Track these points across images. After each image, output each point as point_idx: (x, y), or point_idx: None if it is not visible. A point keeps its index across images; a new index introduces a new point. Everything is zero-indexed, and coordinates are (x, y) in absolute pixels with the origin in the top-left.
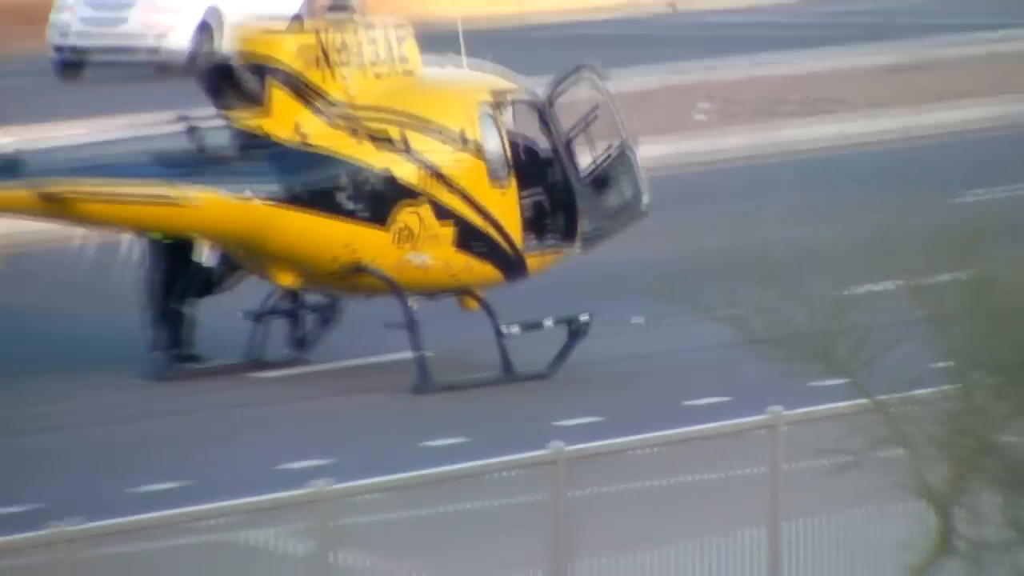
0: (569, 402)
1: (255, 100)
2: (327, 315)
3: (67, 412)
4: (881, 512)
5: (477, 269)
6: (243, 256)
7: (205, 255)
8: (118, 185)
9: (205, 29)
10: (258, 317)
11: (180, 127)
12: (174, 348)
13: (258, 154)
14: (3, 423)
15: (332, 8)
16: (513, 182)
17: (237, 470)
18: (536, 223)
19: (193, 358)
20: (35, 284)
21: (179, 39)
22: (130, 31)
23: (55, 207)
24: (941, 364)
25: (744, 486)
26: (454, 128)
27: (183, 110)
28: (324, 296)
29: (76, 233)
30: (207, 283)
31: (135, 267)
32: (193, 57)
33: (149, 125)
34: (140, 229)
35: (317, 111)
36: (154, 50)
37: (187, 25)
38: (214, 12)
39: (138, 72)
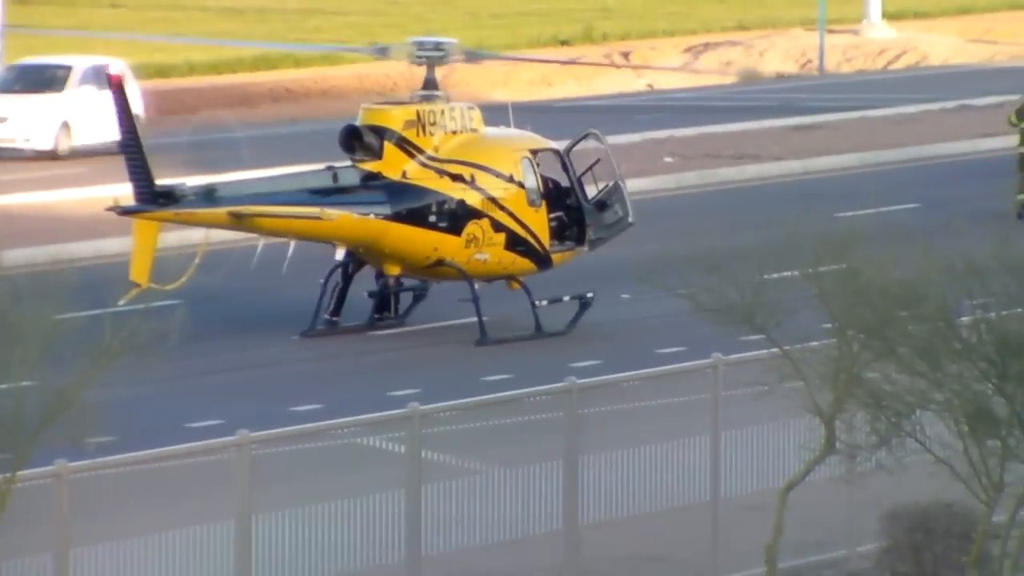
0: (580, 350)
1: (375, 152)
2: (419, 293)
3: (246, 356)
4: (787, 425)
5: (519, 263)
6: (365, 254)
7: (339, 253)
8: (283, 207)
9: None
10: (374, 295)
11: (324, 169)
12: (330, 314)
13: (376, 188)
14: (205, 364)
15: (425, 94)
16: (544, 205)
17: (360, 396)
18: (558, 232)
19: (335, 322)
20: (222, 272)
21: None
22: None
23: (240, 222)
24: (827, 325)
25: (695, 408)
26: (505, 170)
27: (331, 161)
28: (417, 281)
29: (253, 240)
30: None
31: (293, 263)
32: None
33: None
34: (298, 237)
35: (415, 159)
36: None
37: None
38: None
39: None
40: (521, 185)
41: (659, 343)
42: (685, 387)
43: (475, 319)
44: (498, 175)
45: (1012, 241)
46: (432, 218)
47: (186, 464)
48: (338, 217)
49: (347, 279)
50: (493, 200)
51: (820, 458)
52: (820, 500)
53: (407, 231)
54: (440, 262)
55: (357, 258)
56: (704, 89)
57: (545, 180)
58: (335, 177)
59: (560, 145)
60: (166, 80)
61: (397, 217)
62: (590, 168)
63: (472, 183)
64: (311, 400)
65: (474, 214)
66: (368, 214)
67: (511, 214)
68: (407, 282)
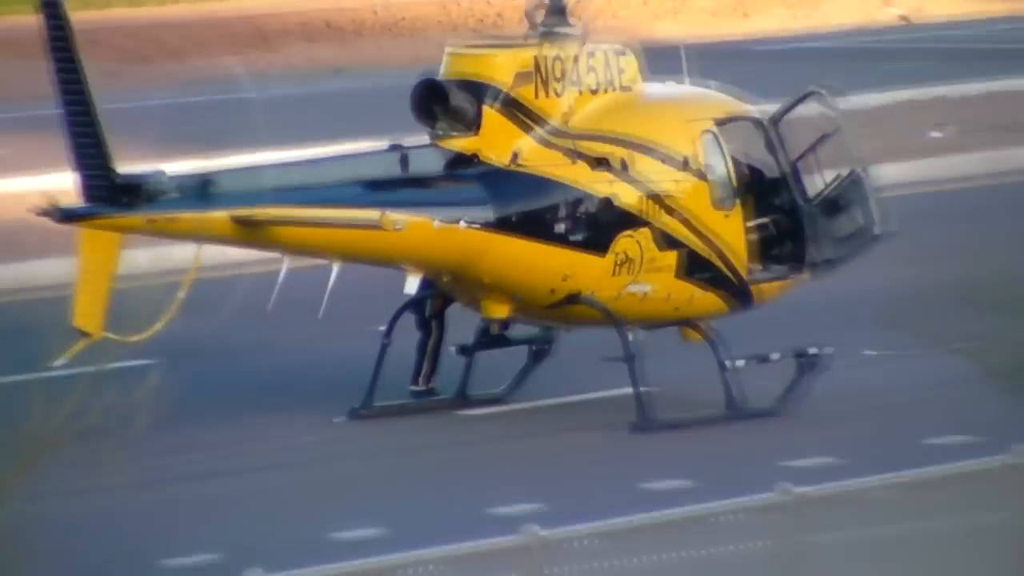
0: (798, 441)
1: (467, 122)
2: (540, 348)
3: (261, 450)
4: None
5: (699, 299)
6: (453, 285)
7: (409, 283)
8: (319, 210)
9: None
10: (468, 351)
11: (386, 149)
12: (418, 382)
13: (469, 177)
14: (193, 463)
15: (548, 30)
16: (738, 206)
17: (441, 514)
18: (762, 249)
19: (431, 392)
20: (221, 315)
21: None
22: None
23: (251, 233)
24: None
25: (990, 534)
26: (676, 150)
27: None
28: (537, 329)
29: (272, 262)
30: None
31: (336, 300)
32: None
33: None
34: (341, 256)
35: (533, 133)
36: None
37: None
38: None
39: None
40: (702, 175)
41: (927, 427)
42: (970, 500)
43: (630, 390)
44: (666, 158)
45: None
46: (560, 227)
47: None
48: (408, 225)
49: (431, 324)
50: (658, 198)
51: None
52: None
53: (519, 248)
54: (573, 297)
55: (440, 292)
56: (994, 21)
57: (741, 167)
58: (404, 161)
59: (765, 112)
60: (135, 10)
61: (503, 225)
62: (813, 147)
63: (624, 171)
64: (365, 521)
65: (628, 221)
66: (457, 220)
67: (687, 221)
68: (519, 331)
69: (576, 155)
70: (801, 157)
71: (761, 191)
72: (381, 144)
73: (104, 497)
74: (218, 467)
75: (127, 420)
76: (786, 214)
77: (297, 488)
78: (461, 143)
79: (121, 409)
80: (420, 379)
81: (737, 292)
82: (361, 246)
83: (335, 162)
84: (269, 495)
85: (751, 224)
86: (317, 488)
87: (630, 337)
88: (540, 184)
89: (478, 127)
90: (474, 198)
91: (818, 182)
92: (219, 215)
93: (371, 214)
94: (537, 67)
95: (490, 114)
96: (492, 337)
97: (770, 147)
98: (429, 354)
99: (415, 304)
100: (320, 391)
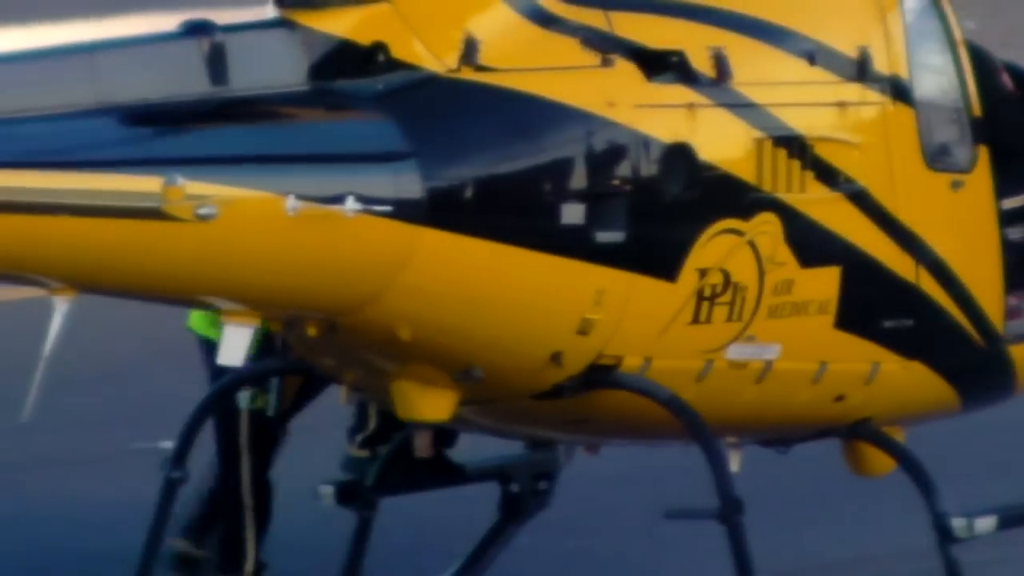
0: None
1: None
2: (524, 491)
3: None
4: None
5: (893, 380)
6: (323, 351)
7: (229, 340)
8: (32, 175)
9: None
10: (358, 496)
11: (179, 31)
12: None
13: (364, 98)
14: None
15: None
16: (982, 165)
17: None
18: None
19: None
20: None
21: None
22: None
23: None
24: None
25: None
26: (837, 34)
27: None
28: (520, 448)
29: None
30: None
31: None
32: None
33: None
34: (75, 280)
35: None
36: None
37: None
38: None
39: None
40: (901, 93)
41: None
42: None
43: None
44: (816, 54)
45: None
46: (572, 212)
47: None
48: (227, 207)
49: (261, 450)
50: (798, 147)
51: None
52: None
53: (480, 259)
54: (599, 373)
55: (292, 370)
56: None
57: (993, 74)
58: (215, 62)
59: None
60: None
61: (444, 210)
62: None
63: (718, 85)
64: None
65: (727, 200)
66: (340, 198)
67: (867, 200)
68: (478, 453)
69: (610, 46)
70: None
71: None
72: (169, 22)
73: None
74: None
75: None
76: None
77: None
78: (347, 19)
79: None
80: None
81: (980, 363)
82: (122, 257)
83: (65, 63)
84: None
85: (1016, 205)
86: None
87: (732, 464)
88: (528, 115)
89: None
90: (377, 148)
91: None
92: None
93: (144, 183)
94: None
95: None
96: (416, 465)
97: None
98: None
99: (220, 396)
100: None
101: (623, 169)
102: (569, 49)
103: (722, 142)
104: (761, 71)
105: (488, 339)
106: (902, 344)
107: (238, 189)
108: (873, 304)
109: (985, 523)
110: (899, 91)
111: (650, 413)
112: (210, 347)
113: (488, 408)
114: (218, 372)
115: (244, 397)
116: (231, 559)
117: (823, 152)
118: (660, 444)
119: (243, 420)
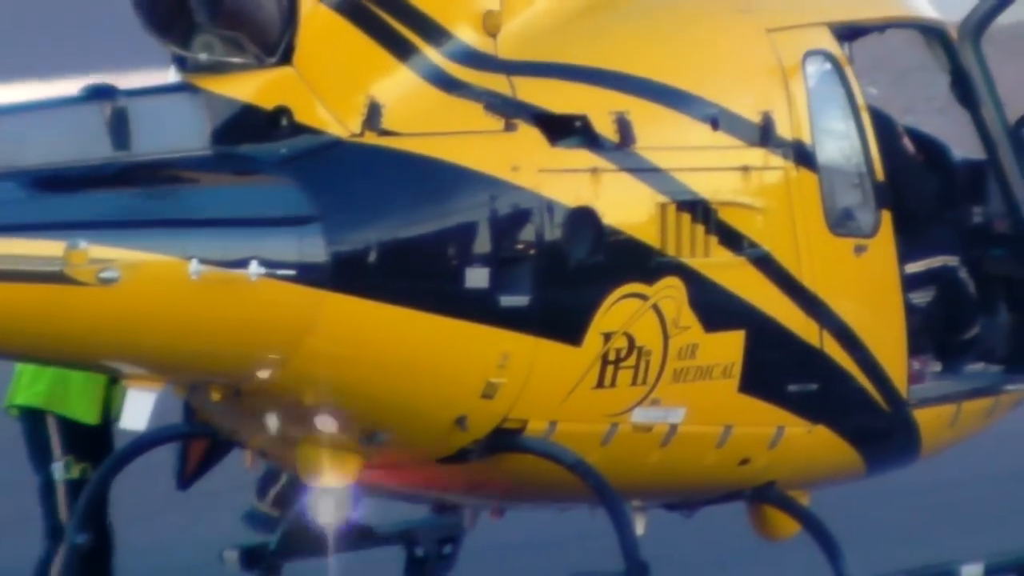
0: None
1: (261, 32)
2: (430, 553)
3: None
4: None
5: (796, 444)
6: (230, 414)
7: (132, 406)
8: None
9: None
10: (261, 562)
11: (81, 95)
12: None
13: (268, 162)
14: None
15: None
16: (884, 227)
17: None
18: (941, 329)
19: None
20: None
21: None
22: None
23: None
24: None
25: None
26: (742, 99)
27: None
28: (428, 511)
29: None
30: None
31: None
32: None
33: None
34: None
35: (412, 59)
36: None
37: None
38: None
39: None
40: (804, 157)
41: None
42: None
43: None
44: (719, 119)
45: None
46: (476, 276)
47: None
48: (129, 272)
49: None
50: (702, 211)
51: None
52: None
53: (385, 323)
54: (504, 436)
55: (201, 427)
56: None
57: (893, 138)
58: (118, 125)
59: (946, 19)
60: None
61: (348, 274)
62: None
63: (621, 149)
64: None
65: (632, 263)
66: (244, 262)
67: (771, 264)
68: (386, 516)
69: (514, 111)
70: None
71: (941, 191)
72: (72, 86)
73: None
74: None
75: None
76: (998, 243)
77: None
78: (250, 83)
79: None
80: None
81: (884, 427)
82: (24, 321)
83: None
84: None
85: (918, 270)
86: None
87: (638, 527)
88: (432, 178)
89: (288, 46)
90: (281, 212)
91: None
92: None
93: (47, 247)
94: None
95: (317, 18)
96: (320, 529)
97: (963, 91)
98: None
99: (122, 461)
100: None
101: (527, 233)
102: (473, 113)
103: (626, 206)
104: (665, 135)
105: (393, 403)
106: (806, 408)
107: (141, 253)
108: (777, 368)
109: None
110: (802, 156)
111: (556, 476)
112: (34, 419)
113: (393, 472)
114: (38, 447)
115: (58, 468)
116: None
117: (727, 216)
118: (566, 507)
119: (59, 492)
